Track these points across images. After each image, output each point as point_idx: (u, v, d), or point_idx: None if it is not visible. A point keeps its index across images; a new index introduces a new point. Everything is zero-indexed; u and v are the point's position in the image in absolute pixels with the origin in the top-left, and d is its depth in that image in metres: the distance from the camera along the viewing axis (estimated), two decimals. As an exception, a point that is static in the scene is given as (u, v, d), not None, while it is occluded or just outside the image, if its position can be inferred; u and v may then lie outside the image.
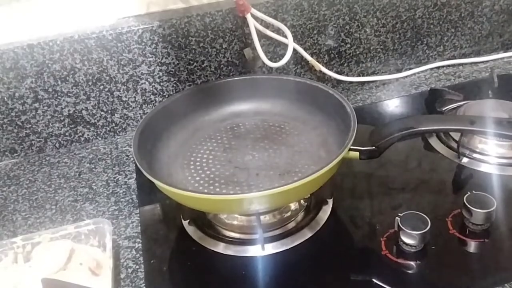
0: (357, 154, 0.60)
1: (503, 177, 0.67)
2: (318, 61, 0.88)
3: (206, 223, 0.64)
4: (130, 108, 0.85)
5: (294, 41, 0.81)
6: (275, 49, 0.87)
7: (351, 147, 0.58)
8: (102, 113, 0.84)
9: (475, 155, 0.71)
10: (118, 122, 0.86)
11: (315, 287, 0.56)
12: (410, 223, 0.56)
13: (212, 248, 0.61)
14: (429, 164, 0.72)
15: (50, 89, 0.79)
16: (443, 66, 0.98)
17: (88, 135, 0.85)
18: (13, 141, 0.82)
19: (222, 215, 0.64)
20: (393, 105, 0.88)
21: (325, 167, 0.54)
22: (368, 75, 0.95)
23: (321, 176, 0.54)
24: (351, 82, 0.94)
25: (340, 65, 0.93)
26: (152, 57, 0.81)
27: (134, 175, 0.76)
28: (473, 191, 0.60)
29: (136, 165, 0.76)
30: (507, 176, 0.67)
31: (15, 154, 0.83)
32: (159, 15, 0.82)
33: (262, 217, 0.61)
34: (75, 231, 0.60)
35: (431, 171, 0.71)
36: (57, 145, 0.85)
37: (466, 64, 0.99)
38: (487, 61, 0.99)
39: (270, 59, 0.82)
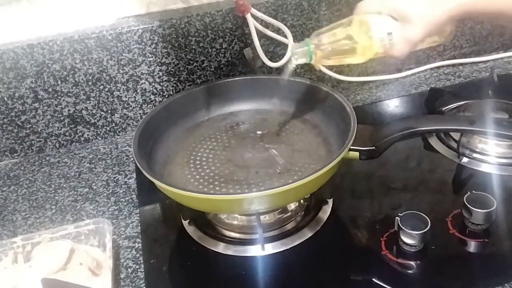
0: (357, 154, 0.59)
1: (503, 177, 0.67)
2: (318, 61, 0.88)
3: (206, 223, 0.64)
4: (130, 108, 0.85)
5: (294, 41, 0.81)
6: (275, 49, 0.87)
7: (351, 147, 0.58)
8: (102, 113, 0.84)
9: (475, 155, 0.71)
10: (118, 122, 0.86)
11: (315, 287, 0.56)
12: (410, 223, 0.56)
13: (212, 248, 0.61)
14: (429, 164, 0.72)
15: (50, 89, 0.79)
16: (443, 66, 0.98)
17: (88, 135, 0.85)
18: (13, 141, 0.82)
19: (222, 215, 0.64)
20: (393, 105, 0.88)
21: (325, 167, 0.54)
22: (368, 75, 0.95)
23: (321, 176, 0.54)
24: (351, 82, 0.94)
25: (340, 64, 0.93)
26: (152, 57, 0.81)
27: (134, 175, 0.76)
28: (473, 191, 0.60)
29: (136, 165, 0.76)
30: (507, 176, 0.67)
31: (15, 154, 0.83)
32: (159, 15, 0.82)
33: (262, 217, 0.61)
34: (75, 231, 0.60)
35: (431, 171, 0.71)
36: (57, 145, 0.85)
37: (466, 64, 0.99)
38: (487, 61, 0.99)
39: (270, 59, 0.82)
